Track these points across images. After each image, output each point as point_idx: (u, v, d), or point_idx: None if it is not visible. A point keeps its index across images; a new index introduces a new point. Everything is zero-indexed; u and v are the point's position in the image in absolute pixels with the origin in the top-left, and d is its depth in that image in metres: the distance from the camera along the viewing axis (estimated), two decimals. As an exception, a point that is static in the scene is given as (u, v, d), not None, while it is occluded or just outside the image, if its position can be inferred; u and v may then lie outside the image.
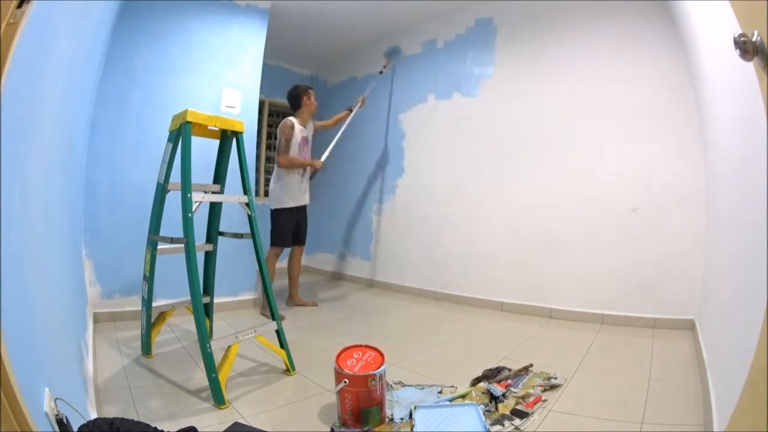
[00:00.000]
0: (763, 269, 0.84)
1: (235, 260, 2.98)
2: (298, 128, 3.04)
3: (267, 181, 4.77)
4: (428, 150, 3.72)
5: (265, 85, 3.47)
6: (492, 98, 3.28)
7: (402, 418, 1.46)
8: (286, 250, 3.17)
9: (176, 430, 1.04)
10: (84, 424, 0.89)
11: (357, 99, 3.62)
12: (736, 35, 0.69)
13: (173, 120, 1.90)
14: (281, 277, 3.54)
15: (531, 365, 1.87)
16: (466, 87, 3.44)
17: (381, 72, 3.94)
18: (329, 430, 1.41)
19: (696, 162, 2.35)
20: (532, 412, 1.46)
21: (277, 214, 3.07)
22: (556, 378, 1.74)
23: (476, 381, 1.73)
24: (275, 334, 1.94)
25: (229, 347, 1.72)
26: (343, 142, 3.67)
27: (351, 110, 3.53)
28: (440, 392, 1.67)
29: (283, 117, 4.94)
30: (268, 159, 4.80)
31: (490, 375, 1.76)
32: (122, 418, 0.98)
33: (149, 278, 2.01)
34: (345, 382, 1.42)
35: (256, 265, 2.00)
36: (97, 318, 2.52)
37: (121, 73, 2.67)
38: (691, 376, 1.73)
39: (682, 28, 2.22)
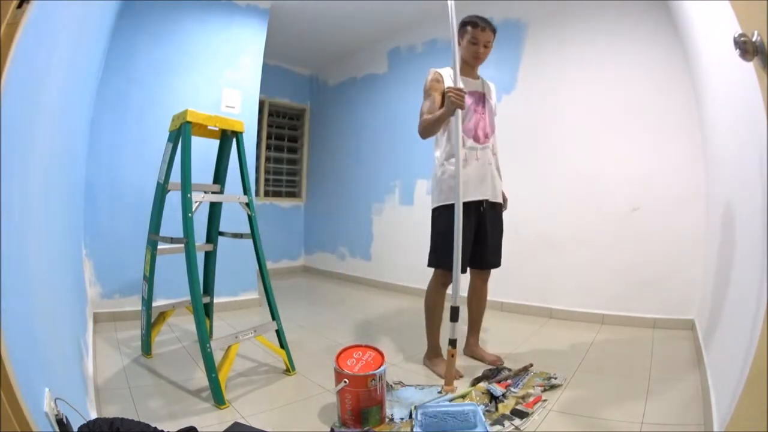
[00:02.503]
0: (763, 269, 0.84)
1: (235, 260, 2.98)
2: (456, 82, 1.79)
3: (267, 181, 4.78)
4: (427, 151, 3.71)
5: (265, 85, 3.48)
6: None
7: (402, 418, 1.46)
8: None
9: (176, 430, 1.04)
10: (84, 424, 0.89)
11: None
12: (736, 35, 0.69)
13: (173, 120, 1.90)
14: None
15: (531, 365, 1.87)
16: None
17: None
18: (329, 430, 1.41)
19: (696, 162, 2.35)
20: (532, 412, 1.46)
21: (433, 214, 1.99)
22: (556, 378, 1.74)
23: (476, 381, 1.73)
24: (275, 334, 1.94)
25: (229, 347, 1.72)
26: (342, 141, 3.68)
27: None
28: (440, 392, 1.67)
29: (284, 117, 5.03)
30: (268, 159, 4.80)
31: (490, 375, 1.77)
32: (122, 418, 0.98)
33: (149, 278, 2.00)
34: (345, 382, 1.42)
35: (256, 265, 2.00)
36: (97, 318, 2.52)
37: (121, 73, 2.68)
38: (691, 376, 1.73)
39: (682, 28, 2.22)
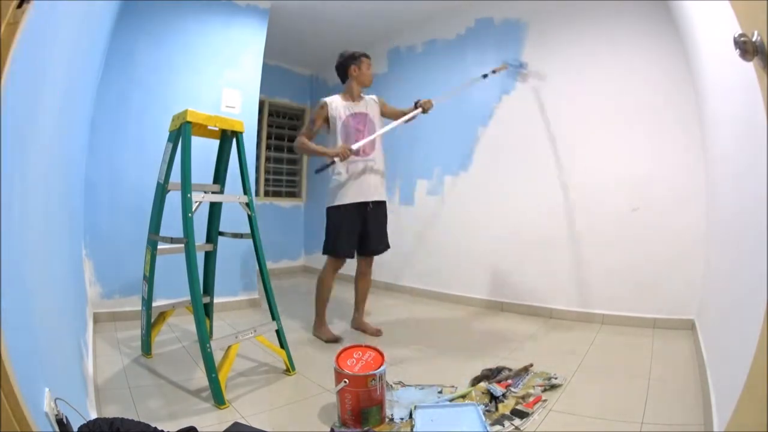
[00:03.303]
0: (763, 269, 0.84)
1: (235, 260, 2.98)
2: (342, 104, 2.40)
3: (267, 181, 4.78)
4: (427, 151, 3.72)
5: (265, 85, 3.48)
6: (489, 97, 3.28)
7: (402, 418, 1.46)
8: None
9: (176, 430, 1.04)
10: (84, 424, 0.89)
11: (420, 104, 2.58)
12: (736, 35, 0.69)
13: (173, 120, 1.90)
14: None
15: (531, 365, 1.87)
16: (466, 88, 3.44)
17: (485, 76, 2.97)
18: (329, 430, 1.41)
19: (696, 162, 2.35)
20: (532, 412, 1.46)
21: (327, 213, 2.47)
22: (556, 378, 1.74)
23: (476, 381, 1.73)
24: (275, 334, 1.94)
25: (229, 347, 1.72)
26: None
27: (416, 106, 2.59)
28: (440, 392, 1.67)
29: (284, 117, 5.02)
30: (268, 159, 4.80)
31: (490, 375, 1.76)
32: (122, 418, 0.98)
33: (149, 278, 2.00)
34: (345, 382, 1.42)
35: (256, 265, 2.00)
36: (97, 318, 2.52)
37: (121, 73, 2.68)
38: (691, 376, 1.73)
39: (682, 28, 2.21)
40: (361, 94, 2.50)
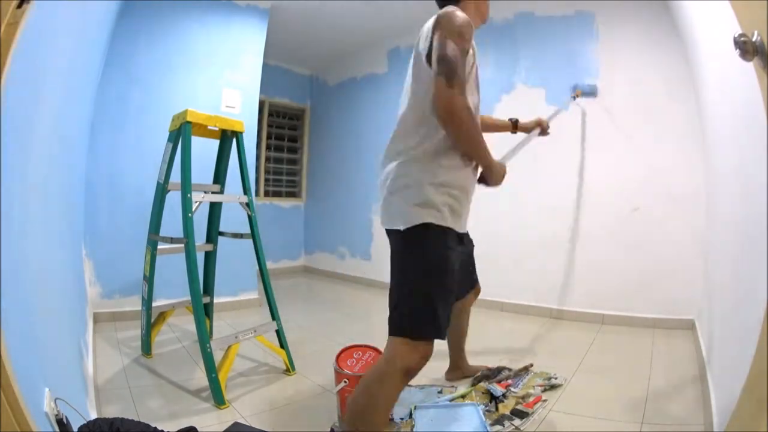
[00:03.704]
0: (763, 269, 0.84)
1: (235, 260, 2.98)
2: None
3: (267, 181, 4.78)
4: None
5: (265, 85, 3.48)
6: (489, 98, 3.28)
7: (402, 418, 1.46)
8: None
9: (176, 430, 1.04)
10: (84, 424, 0.89)
11: (535, 124, 1.89)
12: (736, 35, 0.69)
13: (173, 120, 1.90)
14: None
15: (531, 365, 1.87)
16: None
17: (574, 98, 2.68)
18: (329, 430, 1.41)
19: (696, 162, 2.35)
20: (532, 412, 1.46)
21: (426, 239, 1.16)
22: (556, 378, 1.74)
23: (476, 381, 1.73)
24: (275, 334, 1.94)
25: (229, 347, 1.72)
26: (343, 141, 3.64)
27: (517, 127, 1.90)
28: (440, 392, 1.67)
29: (284, 117, 5.02)
30: (268, 159, 4.80)
31: (490, 375, 1.76)
32: (122, 418, 0.98)
33: (149, 278, 2.01)
34: (345, 382, 1.42)
35: (256, 265, 2.00)
36: (97, 318, 2.52)
37: (121, 73, 2.68)
38: (691, 376, 1.73)
39: (682, 28, 2.21)
40: None
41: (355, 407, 1.09)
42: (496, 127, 1.85)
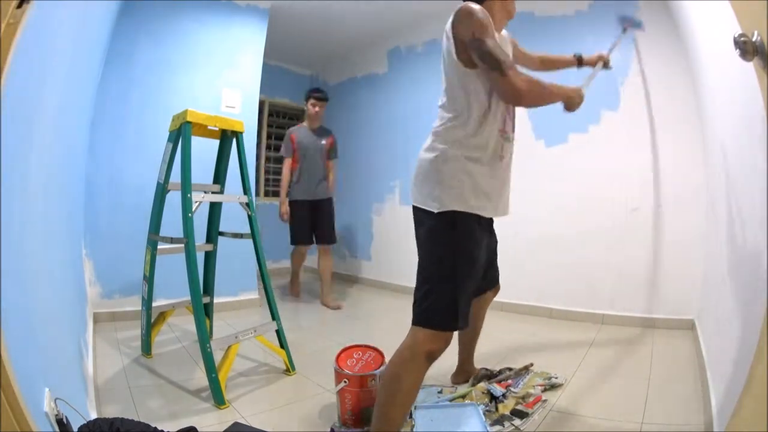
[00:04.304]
0: (764, 269, 0.84)
1: (235, 260, 2.97)
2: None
3: (267, 181, 4.78)
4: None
5: (265, 85, 3.47)
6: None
7: (402, 418, 1.46)
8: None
9: (176, 430, 1.04)
10: (84, 424, 0.89)
11: (597, 58, 1.91)
12: (736, 35, 0.69)
13: (173, 120, 1.90)
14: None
15: (531, 365, 1.87)
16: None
17: (624, 30, 2.35)
18: (329, 430, 1.41)
19: (696, 161, 2.35)
20: (532, 412, 1.46)
21: (452, 222, 1.20)
22: (556, 378, 1.74)
23: (476, 381, 1.73)
24: (275, 334, 1.94)
25: (229, 347, 1.72)
26: (342, 141, 3.62)
27: (582, 62, 1.92)
28: (440, 392, 1.67)
29: (284, 117, 5.01)
30: (268, 159, 4.80)
31: (490, 375, 1.76)
32: (122, 418, 0.98)
33: (149, 278, 2.01)
34: (345, 382, 1.42)
35: (256, 265, 2.00)
36: (97, 318, 2.52)
37: (120, 72, 2.67)
38: (691, 376, 1.73)
39: (682, 28, 2.21)
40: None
41: (383, 395, 1.16)
42: (562, 62, 1.92)
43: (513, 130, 1.42)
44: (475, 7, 1.21)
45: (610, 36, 2.38)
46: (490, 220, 1.45)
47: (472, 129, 1.23)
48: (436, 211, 1.20)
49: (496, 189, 1.30)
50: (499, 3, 1.38)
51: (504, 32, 1.53)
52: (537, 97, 1.25)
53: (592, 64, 1.91)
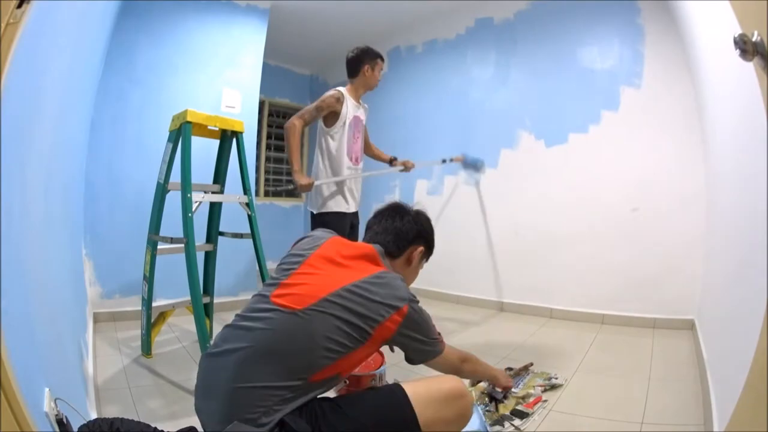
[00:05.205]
0: (764, 269, 0.84)
1: (235, 260, 2.98)
2: (351, 103, 2.17)
3: (267, 181, 4.78)
4: (427, 151, 3.71)
5: (265, 85, 3.47)
6: (489, 98, 3.29)
7: (402, 418, 1.46)
8: None
9: (176, 430, 1.04)
10: (84, 424, 0.89)
11: (401, 163, 2.62)
12: (736, 35, 0.69)
13: (173, 120, 1.90)
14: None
15: (531, 365, 1.87)
16: (465, 88, 3.44)
17: (444, 161, 3.13)
18: (329, 430, 1.41)
19: (696, 162, 2.35)
20: (532, 413, 1.46)
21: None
22: (556, 378, 1.74)
23: (476, 381, 1.73)
24: (275, 334, 1.93)
25: (229, 347, 1.71)
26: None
27: (392, 163, 2.63)
28: (440, 392, 1.66)
29: (284, 117, 5.01)
30: (268, 159, 4.80)
31: (490, 375, 1.76)
32: (122, 418, 0.98)
33: (149, 278, 2.00)
34: (345, 382, 1.42)
35: (256, 265, 2.00)
36: (97, 318, 2.52)
37: (121, 72, 2.68)
38: (691, 376, 1.73)
39: (682, 28, 2.21)
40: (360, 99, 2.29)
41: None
42: (380, 158, 2.62)
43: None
44: (327, 94, 2.05)
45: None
46: None
47: None
48: None
49: None
50: (363, 80, 2.23)
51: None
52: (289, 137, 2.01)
53: (397, 169, 2.61)
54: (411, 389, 0.96)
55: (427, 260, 1.30)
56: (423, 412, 0.93)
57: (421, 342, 1.06)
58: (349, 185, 2.22)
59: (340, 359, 0.91)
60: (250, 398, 0.84)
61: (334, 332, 0.90)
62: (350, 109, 2.14)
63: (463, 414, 1.01)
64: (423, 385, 1.00)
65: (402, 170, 2.60)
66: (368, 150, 2.52)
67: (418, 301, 1.04)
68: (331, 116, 2.11)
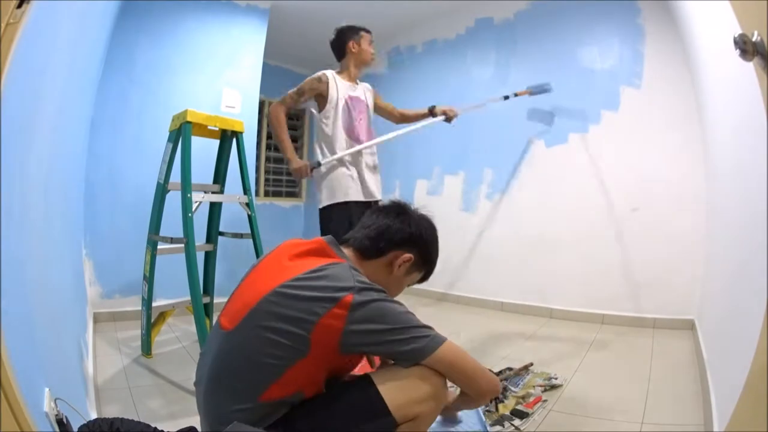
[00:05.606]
0: (763, 269, 0.84)
1: (235, 260, 2.97)
2: (342, 84, 2.04)
3: (267, 181, 4.77)
4: (427, 151, 3.72)
5: (265, 85, 3.48)
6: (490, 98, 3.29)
7: (402, 418, 1.46)
8: None
9: (176, 430, 1.04)
10: (84, 424, 0.89)
11: (442, 111, 2.32)
12: (736, 35, 0.69)
13: (173, 120, 1.90)
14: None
15: (531, 365, 1.87)
16: (465, 88, 3.44)
17: (507, 97, 2.76)
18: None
19: (696, 162, 2.35)
20: (532, 413, 1.46)
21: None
22: (556, 378, 1.74)
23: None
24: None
25: (229, 347, 1.71)
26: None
27: (433, 114, 2.34)
28: (440, 392, 1.66)
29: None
30: (268, 159, 4.79)
31: (490, 375, 1.76)
32: (122, 418, 0.98)
33: (149, 278, 2.01)
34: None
35: (256, 265, 2.00)
36: (97, 318, 2.52)
37: (121, 72, 2.68)
38: (691, 376, 1.73)
39: (682, 28, 2.22)
40: (357, 79, 2.16)
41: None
42: (417, 116, 2.37)
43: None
44: (310, 78, 1.95)
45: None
46: None
47: None
48: None
49: None
50: (353, 57, 2.10)
51: (361, 84, 2.18)
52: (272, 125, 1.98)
53: (436, 115, 2.29)
54: (379, 378, 0.91)
55: (423, 278, 1.14)
56: (394, 398, 0.86)
57: (390, 332, 0.86)
58: (359, 167, 2.03)
59: (285, 374, 0.81)
60: (222, 418, 0.82)
61: (267, 345, 0.80)
62: (341, 89, 2.01)
63: (435, 392, 0.92)
64: (391, 371, 0.93)
65: (444, 120, 2.30)
66: (402, 118, 2.39)
67: (373, 290, 0.87)
68: (321, 100, 2.00)
